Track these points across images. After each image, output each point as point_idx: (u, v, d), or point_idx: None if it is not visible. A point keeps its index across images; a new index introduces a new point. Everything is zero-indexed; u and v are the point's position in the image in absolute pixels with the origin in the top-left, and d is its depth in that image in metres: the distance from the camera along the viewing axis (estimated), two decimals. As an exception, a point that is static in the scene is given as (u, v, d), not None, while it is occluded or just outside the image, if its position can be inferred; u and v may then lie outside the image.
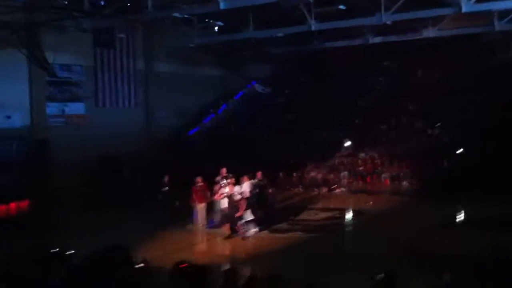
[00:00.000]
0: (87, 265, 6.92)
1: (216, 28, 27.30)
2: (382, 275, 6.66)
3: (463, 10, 19.55)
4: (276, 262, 13.18)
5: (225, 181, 16.81)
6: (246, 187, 16.57)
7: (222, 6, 18.53)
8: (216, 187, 16.97)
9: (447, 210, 18.14)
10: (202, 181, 17.12)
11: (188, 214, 17.35)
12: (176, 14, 21.27)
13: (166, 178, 17.96)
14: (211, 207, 17.34)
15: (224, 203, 16.84)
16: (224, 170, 17.44)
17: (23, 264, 8.18)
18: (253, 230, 16.20)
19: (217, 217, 17.19)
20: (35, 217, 18.23)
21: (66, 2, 20.49)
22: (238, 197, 16.30)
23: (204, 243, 16.34)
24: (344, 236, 15.95)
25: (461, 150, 23.65)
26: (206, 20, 26.07)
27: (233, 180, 16.89)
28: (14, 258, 9.08)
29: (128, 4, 22.12)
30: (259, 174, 17.25)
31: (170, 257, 11.96)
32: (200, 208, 17.12)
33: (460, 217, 18.07)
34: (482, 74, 28.54)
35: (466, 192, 19.41)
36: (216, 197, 16.92)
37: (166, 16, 22.30)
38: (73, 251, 8.40)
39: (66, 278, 7.26)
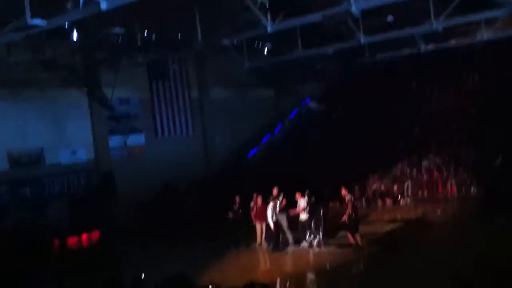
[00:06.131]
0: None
1: (265, 50, 27.63)
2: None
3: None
4: (342, 279, 13.10)
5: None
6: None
7: (269, 29, 18.77)
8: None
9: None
10: (261, 201, 17.24)
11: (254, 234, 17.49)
12: (225, 42, 21.62)
13: (237, 199, 18.03)
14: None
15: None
16: (275, 190, 17.26)
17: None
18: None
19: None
20: (105, 248, 18.80)
21: (120, 40, 21.30)
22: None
23: (267, 263, 16.36)
24: (411, 249, 15.47)
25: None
26: (256, 43, 26.43)
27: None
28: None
29: (179, 37, 22.86)
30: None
31: (238, 278, 12.09)
32: (259, 227, 17.26)
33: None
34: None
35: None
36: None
37: (216, 44, 22.74)
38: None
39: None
